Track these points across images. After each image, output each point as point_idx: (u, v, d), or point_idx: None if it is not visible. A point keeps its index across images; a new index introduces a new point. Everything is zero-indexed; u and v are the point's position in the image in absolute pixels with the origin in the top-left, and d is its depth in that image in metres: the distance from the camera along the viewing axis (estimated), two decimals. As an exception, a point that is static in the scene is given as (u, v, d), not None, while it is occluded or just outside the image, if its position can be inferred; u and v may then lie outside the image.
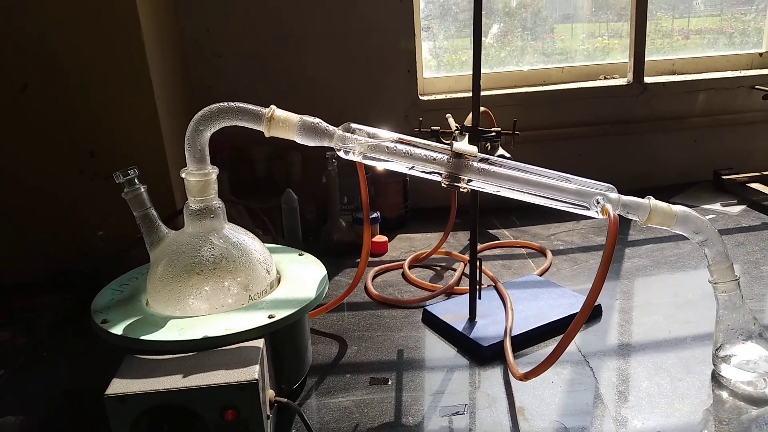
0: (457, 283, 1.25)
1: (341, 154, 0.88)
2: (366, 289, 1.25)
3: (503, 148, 1.30)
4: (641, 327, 1.05)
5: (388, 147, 0.86)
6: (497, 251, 1.43)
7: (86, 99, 1.26)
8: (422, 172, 0.88)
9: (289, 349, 0.87)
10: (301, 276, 0.93)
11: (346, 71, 1.65)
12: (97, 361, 0.92)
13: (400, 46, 1.65)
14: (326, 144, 0.87)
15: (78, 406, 0.91)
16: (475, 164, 0.85)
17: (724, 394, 0.85)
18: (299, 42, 1.61)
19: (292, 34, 1.61)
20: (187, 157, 0.84)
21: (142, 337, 0.75)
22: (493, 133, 1.04)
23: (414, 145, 0.87)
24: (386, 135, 0.88)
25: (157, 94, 1.28)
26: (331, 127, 0.87)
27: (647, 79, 1.76)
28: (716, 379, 0.88)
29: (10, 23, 1.21)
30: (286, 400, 0.77)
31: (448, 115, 1.14)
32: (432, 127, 1.10)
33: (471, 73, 0.97)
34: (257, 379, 0.68)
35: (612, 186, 0.85)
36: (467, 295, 1.07)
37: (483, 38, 1.05)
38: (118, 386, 0.68)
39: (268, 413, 0.73)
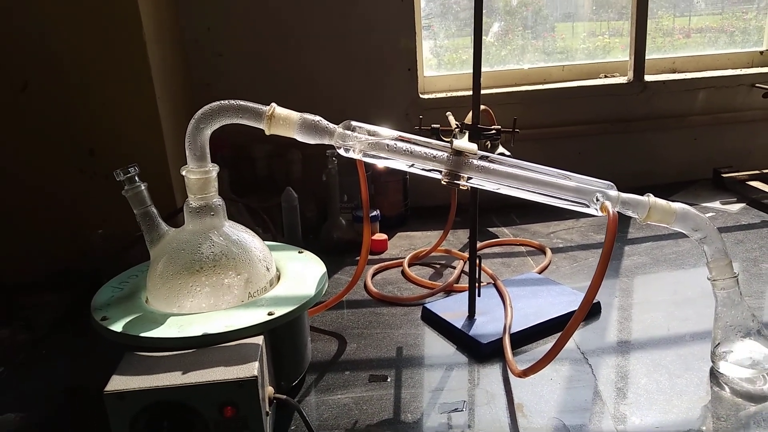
0: (457, 280, 1.25)
1: (341, 151, 0.88)
2: (365, 286, 1.25)
3: (503, 147, 1.30)
4: (640, 324, 1.05)
5: (388, 145, 0.86)
6: (497, 249, 1.44)
7: (86, 98, 1.26)
8: (422, 169, 0.88)
9: (289, 346, 0.87)
10: (300, 274, 0.93)
11: (346, 70, 1.65)
12: (96, 358, 0.93)
13: (400, 45, 1.65)
14: (326, 142, 0.87)
15: (78, 403, 0.91)
16: (475, 162, 0.86)
17: (723, 391, 0.85)
18: (299, 42, 1.62)
19: (293, 33, 1.61)
20: (187, 154, 0.84)
21: (142, 334, 0.76)
22: (493, 131, 1.04)
23: (414, 143, 0.87)
24: (386, 133, 0.88)
25: (157, 94, 1.28)
26: (331, 125, 0.87)
27: (647, 78, 1.77)
28: (715, 376, 0.88)
29: (10, 23, 1.21)
30: (285, 397, 0.77)
31: (448, 113, 1.14)
32: (432, 125, 1.10)
33: (471, 71, 0.97)
34: (256, 376, 0.69)
35: (611, 183, 0.85)
36: (466, 293, 1.07)
37: (484, 37, 1.05)
38: (118, 383, 0.68)
39: (268, 410, 0.74)
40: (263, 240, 0.94)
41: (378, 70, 1.66)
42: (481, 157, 0.86)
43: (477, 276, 1.05)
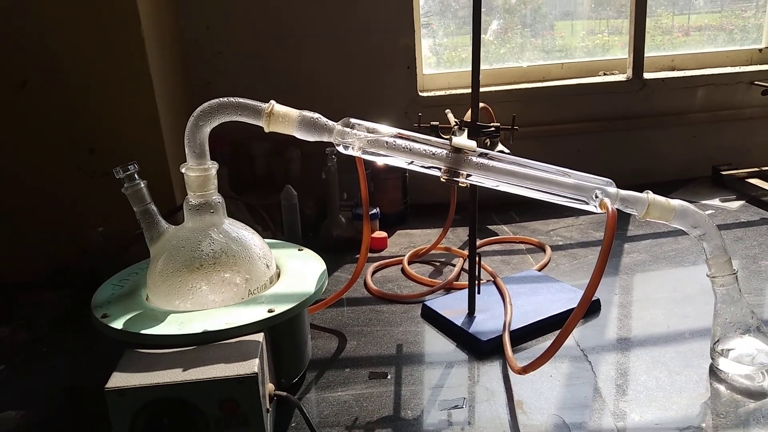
0: (457, 278, 1.25)
1: (340, 149, 0.88)
2: (365, 284, 1.25)
3: (502, 144, 1.30)
4: (640, 321, 1.05)
5: (387, 142, 0.87)
6: (496, 247, 1.44)
7: (86, 98, 1.26)
8: (421, 166, 0.88)
9: (289, 343, 0.87)
10: (300, 271, 0.93)
11: (345, 69, 1.65)
12: (97, 356, 0.93)
13: (399, 43, 1.65)
14: (325, 139, 0.87)
15: (78, 401, 0.91)
16: (474, 159, 0.86)
17: (722, 388, 0.85)
18: (299, 41, 1.62)
19: (292, 33, 1.61)
20: (186, 152, 0.84)
21: (142, 332, 0.76)
22: (492, 129, 1.04)
23: (413, 140, 0.87)
24: (385, 130, 0.88)
25: (157, 92, 1.28)
26: (330, 122, 0.87)
27: (646, 75, 1.77)
28: (714, 373, 0.88)
29: (10, 23, 1.21)
30: (285, 393, 0.77)
31: (447, 110, 1.14)
32: (431, 123, 1.10)
33: (470, 69, 0.97)
34: (257, 373, 0.69)
35: (610, 180, 0.85)
36: (466, 290, 1.07)
37: (483, 35, 1.05)
38: (119, 380, 0.68)
39: (268, 407, 0.74)
40: (263, 238, 0.94)
41: (377, 69, 1.66)
42: (480, 154, 0.86)
43: (477, 273, 1.05)
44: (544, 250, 1.37)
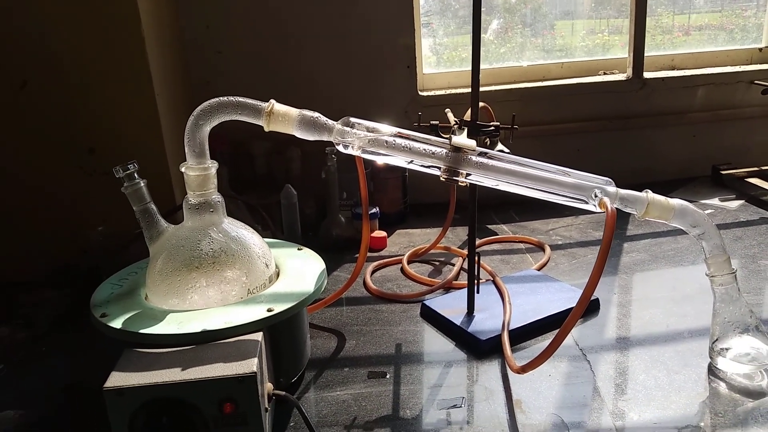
0: (456, 277, 1.25)
1: (340, 148, 0.88)
2: (365, 283, 1.25)
3: (502, 143, 1.30)
4: (639, 321, 1.05)
5: (387, 141, 0.87)
6: (496, 246, 1.44)
7: (86, 97, 1.26)
8: (421, 166, 0.88)
9: (288, 342, 0.87)
10: (299, 270, 0.94)
11: (345, 68, 1.65)
12: (96, 356, 0.93)
13: (399, 43, 1.65)
14: (325, 138, 0.87)
15: (77, 400, 0.92)
16: (474, 158, 0.86)
17: (721, 387, 0.85)
18: (299, 41, 1.62)
19: (292, 32, 1.61)
20: (186, 151, 0.85)
21: (141, 331, 0.76)
22: (492, 128, 1.04)
23: (413, 139, 0.87)
24: (385, 129, 0.88)
25: (157, 92, 1.28)
26: (330, 121, 0.87)
27: (646, 75, 1.77)
28: (713, 372, 0.88)
29: (10, 23, 1.21)
30: (284, 393, 0.77)
31: (447, 110, 1.14)
32: (431, 122, 1.10)
33: (470, 68, 0.97)
34: (255, 372, 0.69)
35: (610, 180, 0.85)
36: (465, 290, 1.07)
37: (483, 34, 1.05)
38: (117, 379, 0.68)
39: (267, 406, 0.74)
40: (262, 237, 0.94)
41: (377, 69, 1.66)
42: (480, 154, 0.86)
43: (476, 273, 1.05)
44: (543, 250, 1.37)
